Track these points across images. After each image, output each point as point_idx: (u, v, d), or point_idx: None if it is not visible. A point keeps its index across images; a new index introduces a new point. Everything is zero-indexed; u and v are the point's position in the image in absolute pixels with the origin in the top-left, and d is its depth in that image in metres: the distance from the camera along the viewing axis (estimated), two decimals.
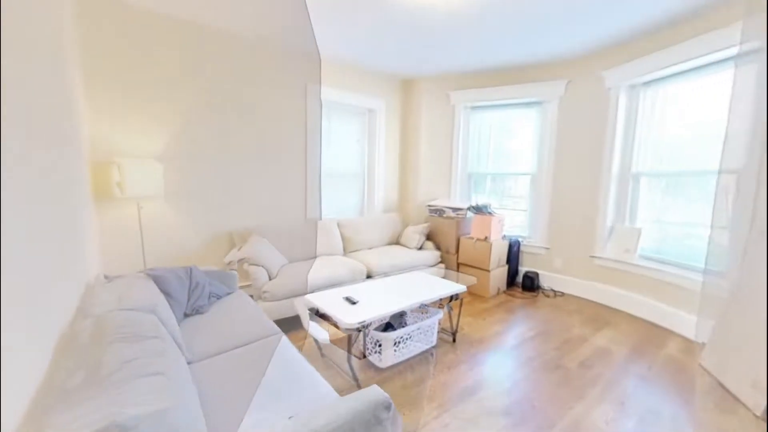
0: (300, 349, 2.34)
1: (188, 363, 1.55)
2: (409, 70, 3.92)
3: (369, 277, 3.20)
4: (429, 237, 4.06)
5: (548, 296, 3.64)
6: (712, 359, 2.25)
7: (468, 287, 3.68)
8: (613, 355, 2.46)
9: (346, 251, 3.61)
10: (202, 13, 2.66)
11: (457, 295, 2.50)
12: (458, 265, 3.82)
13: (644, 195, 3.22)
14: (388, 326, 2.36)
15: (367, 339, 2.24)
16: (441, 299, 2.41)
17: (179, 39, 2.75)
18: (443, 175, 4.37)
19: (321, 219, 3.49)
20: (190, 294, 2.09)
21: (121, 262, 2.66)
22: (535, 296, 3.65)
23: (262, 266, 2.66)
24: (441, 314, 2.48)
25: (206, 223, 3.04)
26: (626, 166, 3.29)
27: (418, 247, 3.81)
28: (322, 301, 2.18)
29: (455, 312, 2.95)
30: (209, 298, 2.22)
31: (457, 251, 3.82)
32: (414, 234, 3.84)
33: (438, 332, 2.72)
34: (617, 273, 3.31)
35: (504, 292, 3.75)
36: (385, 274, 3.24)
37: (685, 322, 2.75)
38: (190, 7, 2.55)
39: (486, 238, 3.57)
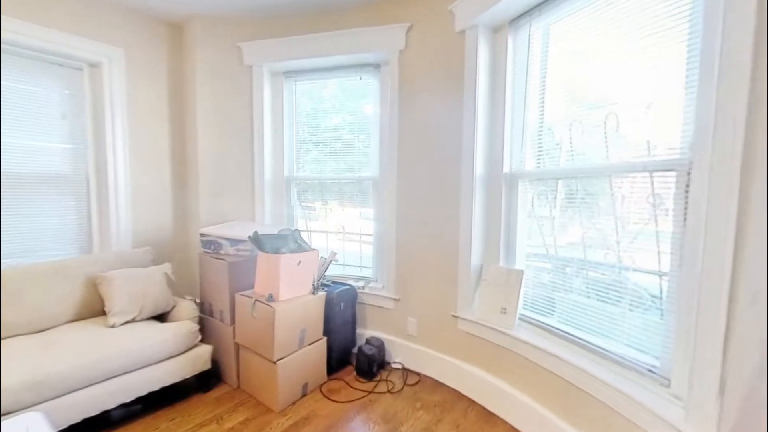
0: None
1: None
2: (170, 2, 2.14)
3: None
4: (200, 292, 2.26)
5: (391, 388, 2.10)
6: None
7: (249, 395, 1.91)
8: None
9: None
10: None
11: None
12: (237, 348, 2.08)
13: (524, 209, 1.91)
14: None
15: None
16: None
17: None
18: (244, 181, 2.65)
19: None
20: None
21: None
22: (374, 386, 2.11)
23: None
24: None
25: None
26: (495, 164, 1.97)
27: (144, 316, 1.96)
28: None
29: None
30: None
31: (233, 321, 2.08)
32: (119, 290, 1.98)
33: None
34: (489, 348, 1.91)
35: (320, 388, 2.11)
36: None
37: None
38: None
39: (271, 296, 1.91)
